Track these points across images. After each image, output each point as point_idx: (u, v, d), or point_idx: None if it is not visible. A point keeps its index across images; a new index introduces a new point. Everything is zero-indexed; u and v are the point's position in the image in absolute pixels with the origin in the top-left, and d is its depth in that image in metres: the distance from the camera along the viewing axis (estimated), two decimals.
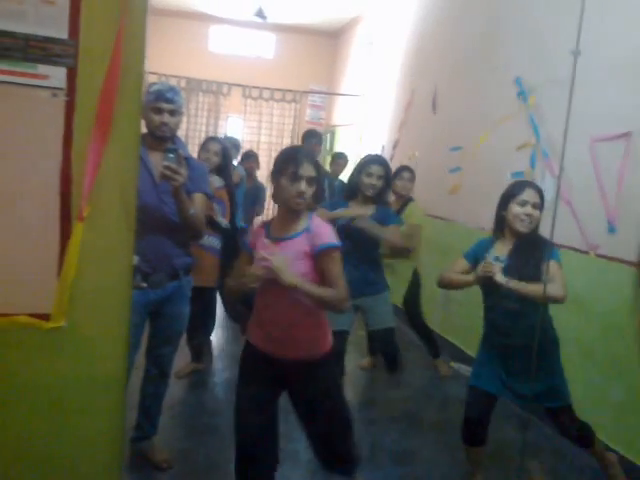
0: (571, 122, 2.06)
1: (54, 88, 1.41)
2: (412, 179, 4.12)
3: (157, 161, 2.29)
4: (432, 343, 4.32)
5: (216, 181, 3.62)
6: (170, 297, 2.53)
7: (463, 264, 2.58)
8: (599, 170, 3.21)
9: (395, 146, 6.40)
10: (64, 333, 1.45)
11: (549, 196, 3.67)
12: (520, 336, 2.39)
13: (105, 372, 1.52)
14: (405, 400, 3.78)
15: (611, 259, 3.03)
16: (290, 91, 7.83)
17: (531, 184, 2.54)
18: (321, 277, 1.98)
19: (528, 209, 2.44)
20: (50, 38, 1.38)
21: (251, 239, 2.13)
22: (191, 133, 7.35)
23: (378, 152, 6.82)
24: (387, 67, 6.90)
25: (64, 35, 1.39)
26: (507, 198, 2.50)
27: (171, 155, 2.14)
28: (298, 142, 7.78)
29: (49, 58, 1.39)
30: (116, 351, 1.53)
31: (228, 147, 3.88)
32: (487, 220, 4.31)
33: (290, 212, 2.05)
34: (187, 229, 2.43)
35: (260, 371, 2.10)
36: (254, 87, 7.69)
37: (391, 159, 6.47)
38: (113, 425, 1.55)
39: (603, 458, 2.65)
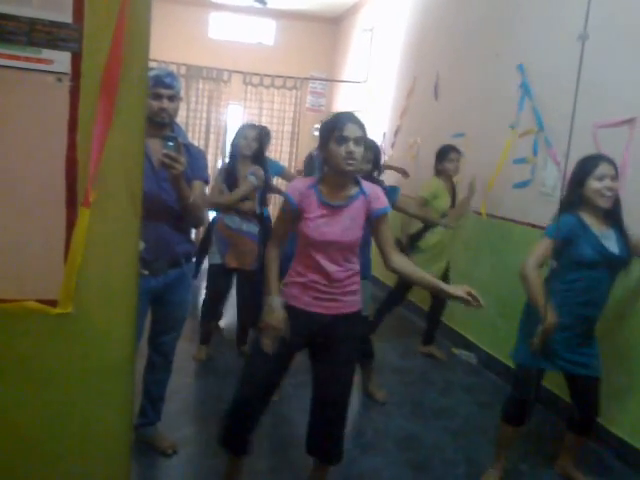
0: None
1: (59, 73, 1.39)
2: (459, 159, 4.23)
3: (156, 147, 2.27)
4: (433, 332, 4.41)
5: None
6: (172, 284, 2.54)
7: (550, 246, 2.40)
8: None
9: (397, 133, 6.38)
10: (71, 319, 1.45)
11: (552, 183, 3.68)
12: (597, 306, 2.43)
13: (113, 358, 1.52)
14: (407, 385, 3.81)
15: None
16: (291, 78, 7.76)
17: (603, 157, 2.44)
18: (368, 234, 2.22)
19: (607, 182, 2.36)
20: (55, 22, 1.36)
21: (297, 197, 2.13)
22: (191, 120, 7.30)
23: (379, 139, 6.81)
24: (388, 53, 6.85)
25: (68, 19, 1.37)
26: (582, 175, 2.40)
27: (170, 143, 2.13)
28: (299, 129, 7.76)
29: (54, 42, 1.36)
30: (124, 337, 1.53)
31: (262, 134, 4.03)
32: (487, 205, 4.33)
33: (341, 176, 2.11)
34: (187, 216, 2.44)
35: (295, 327, 2.14)
36: (254, 74, 7.62)
37: (392, 146, 6.46)
38: (122, 411, 1.56)
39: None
